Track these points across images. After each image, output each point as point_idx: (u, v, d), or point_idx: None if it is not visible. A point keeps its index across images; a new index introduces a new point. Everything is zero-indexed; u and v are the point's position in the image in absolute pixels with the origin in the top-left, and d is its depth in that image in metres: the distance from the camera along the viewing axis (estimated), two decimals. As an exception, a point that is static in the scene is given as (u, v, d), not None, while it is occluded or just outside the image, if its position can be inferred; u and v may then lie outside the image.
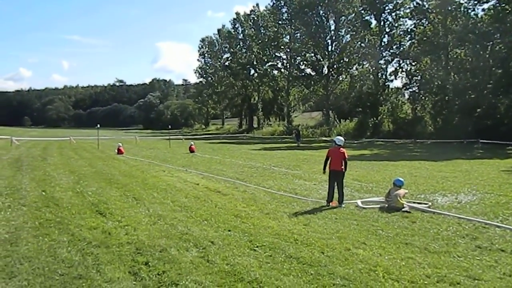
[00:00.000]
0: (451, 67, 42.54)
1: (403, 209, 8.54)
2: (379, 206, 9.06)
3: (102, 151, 26.17)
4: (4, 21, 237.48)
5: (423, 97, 46.66)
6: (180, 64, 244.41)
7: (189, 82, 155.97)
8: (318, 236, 6.75)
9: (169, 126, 45.25)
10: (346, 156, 9.48)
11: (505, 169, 17.10)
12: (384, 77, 51.33)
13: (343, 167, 9.36)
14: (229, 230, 7.10)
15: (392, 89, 52.80)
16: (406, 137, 41.69)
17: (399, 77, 51.33)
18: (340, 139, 9.52)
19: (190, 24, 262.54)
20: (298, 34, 61.35)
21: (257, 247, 6.16)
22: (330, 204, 9.21)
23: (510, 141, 30.11)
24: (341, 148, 9.42)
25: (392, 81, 52.39)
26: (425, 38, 42.91)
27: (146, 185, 11.91)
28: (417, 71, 47.49)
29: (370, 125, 48.64)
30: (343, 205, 9.15)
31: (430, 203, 9.36)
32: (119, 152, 24.27)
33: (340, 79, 59.20)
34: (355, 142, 39.96)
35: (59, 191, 10.14)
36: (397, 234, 6.91)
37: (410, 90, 49.73)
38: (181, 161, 19.84)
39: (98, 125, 30.15)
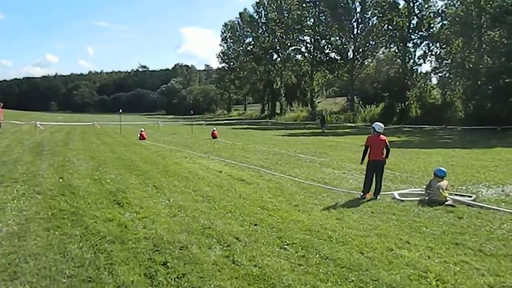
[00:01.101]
0: (485, 50, 40.31)
1: (446, 203, 7.71)
2: (418, 198, 8.25)
3: (125, 136, 25.98)
4: (31, 9, 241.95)
5: (453, 82, 44.57)
6: (203, 49, 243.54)
7: (211, 67, 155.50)
8: (354, 233, 6.05)
9: (191, 111, 44.84)
10: (388, 144, 8.63)
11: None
12: (412, 61, 49.22)
13: (384, 156, 8.55)
14: (256, 225, 6.48)
15: (420, 73, 50.71)
16: (435, 123, 39.92)
17: (428, 60, 49.20)
18: (380, 126, 8.65)
19: (214, 10, 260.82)
20: (323, 17, 59.58)
21: (287, 245, 5.52)
22: (365, 196, 8.44)
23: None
24: (381, 135, 8.59)
25: (420, 65, 50.26)
26: (457, 19, 40.69)
27: (167, 172, 11.42)
28: (448, 54, 45.25)
29: (397, 110, 46.95)
30: (378, 197, 8.38)
31: (474, 196, 8.48)
32: (141, 137, 24.00)
33: (366, 63, 57.40)
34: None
35: (77, 178, 9.74)
36: (444, 232, 6.12)
37: (440, 74, 47.56)
38: (203, 147, 19.34)
39: (121, 110, 29.98)
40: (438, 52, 46.58)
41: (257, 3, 76.00)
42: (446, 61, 45.97)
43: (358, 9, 55.01)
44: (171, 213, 7.00)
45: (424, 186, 9.68)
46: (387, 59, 55.18)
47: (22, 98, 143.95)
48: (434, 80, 51.09)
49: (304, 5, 62.29)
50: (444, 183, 8.04)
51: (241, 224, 6.46)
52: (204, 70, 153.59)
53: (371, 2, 52.22)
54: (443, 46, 45.60)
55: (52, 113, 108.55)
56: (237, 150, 18.14)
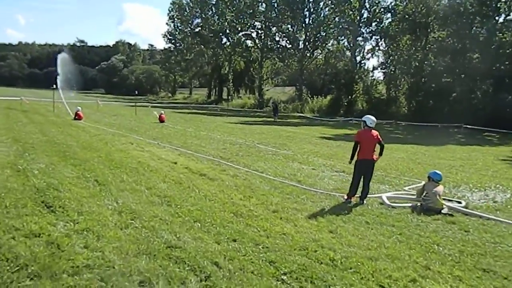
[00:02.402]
0: (430, 49, 41.69)
1: (442, 211, 6.84)
2: (410, 204, 7.31)
3: (58, 115, 23.08)
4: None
5: (399, 78, 45.80)
6: (147, 28, 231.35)
7: (155, 47, 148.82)
8: (359, 254, 4.87)
9: (136, 92, 41.69)
10: (381, 139, 7.55)
11: (503, 158, 16.06)
12: (361, 54, 49.85)
13: (375, 156, 7.46)
14: (235, 240, 5.08)
15: (368, 67, 51.68)
16: (379, 117, 40.50)
17: (375, 55, 50.22)
18: (372, 119, 7.50)
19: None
20: (275, 4, 58.38)
21: (284, 274, 4.19)
22: (351, 200, 7.34)
23: (485, 127, 29.76)
24: (373, 131, 7.46)
25: (368, 59, 51.22)
26: (406, 16, 41.56)
27: (112, 162, 9.57)
28: (395, 51, 46.27)
29: (345, 103, 47.42)
30: (365, 202, 7.34)
31: (464, 202, 7.74)
32: (78, 117, 21.35)
33: (316, 54, 57.38)
34: (330, 120, 38.52)
35: (-6, 168, 7.64)
36: (461, 252, 5.15)
37: (386, 70, 48.62)
38: (151, 132, 17.39)
39: (54, 86, 26.70)
40: (386, 48, 47.51)
41: (208, -18, 73.00)
42: (393, 57, 47.03)
43: (311, -1, 54.51)
44: (122, 222, 5.36)
45: (409, 188, 8.92)
46: (336, 51, 55.54)
47: None
48: (380, 75, 52.31)
49: (257, -12, 60.64)
50: (440, 188, 7.17)
51: (217, 240, 5.02)
52: (148, 49, 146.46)
53: (324, -9, 51.94)
54: (391, 42, 46.55)
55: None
56: (189, 137, 16.45)
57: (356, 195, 7.45)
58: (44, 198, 6.00)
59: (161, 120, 23.36)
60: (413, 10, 41.16)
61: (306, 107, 51.43)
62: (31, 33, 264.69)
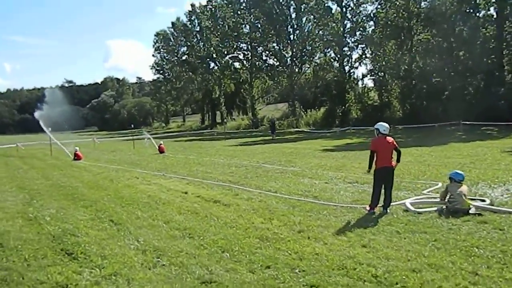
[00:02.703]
0: (416, 51, 42.22)
1: (470, 211, 6.67)
2: (435, 208, 7.14)
3: (57, 157, 22.84)
4: None
5: (389, 83, 46.18)
6: (132, 62, 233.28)
7: (143, 79, 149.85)
8: (401, 267, 4.66)
9: (132, 125, 41.26)
10: (397, 145, 7.43)
11: (509, 150, 15.98)
12: (350, 64, 50.33)
13: (393, 162, 7.32)
14: (268, 267, 4.86)
15: (357, 76, 52.15)
16: (375, 123, 40.60)
17: (363, 63, 50.71)
18: (385, 126, 7.40)
19: (140, 21, 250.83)
20: (259, 24, 59.20)
21: (333, 299, 3.97)
22: (374, 210, 7.15)
23: (482, 122, 29.83)
24: (388, 137, 7.35)
25: (357, 68, 51.60)
26: (388, 22, 42.21)
27: (122, 199, 9.35)
28: (382, 57, 46.79)
29: (339, 113, 47.55)
30: (388, 210, 7.16)
31: (488, 199, 7.57)
32: (77, 157, 21.14)
33: (304, 68, 57.92)
34: (327, 131, 38.54)
35: (3, 219, 7.39)
36: (504, 252, 4.95)
37: (376, 76, 49.03)
38: (154, 164, 17.20)
39: (49, 129, 26.51)
40: (373, 55, 48.02)
41: (189, 11, 74.03)
42: (381, 63, 47.52)
43: (293, 15, 55.34)
44: (148, 261, 5.13)
45: (428, 191, 8.77)
46: (324, 64, 56.11)
47: None
48: (370, 82, 52.72)
49: (239, 12, 61.43)
50: (464, 188, 7.02)
51: (250, 269, 4.80)
52: (136, 82, 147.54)
53: (305, 8, 52.69)
54: (377, 49, 47.10)
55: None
56: (193, 164, 16.26)
57: (378, 205, 7.28)
58: (62, 245, 5.76)
59: (161, 150, 23.16)
60: (395, 15, 41.87)
61: (301, 122, 51.59)
62: (18, 79, 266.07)
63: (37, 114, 30.58)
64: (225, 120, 62.51)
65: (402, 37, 41.58)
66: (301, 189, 9.89)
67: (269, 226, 6.74)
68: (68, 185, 11.75)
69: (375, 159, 7.28)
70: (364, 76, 51.10)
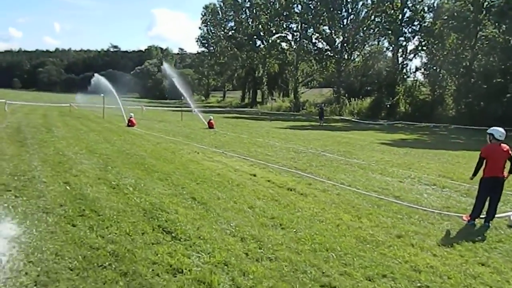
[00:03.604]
0: (480, 47, 39.75)
1: None
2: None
3: (109, 121, 23.24)
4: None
5: (445, 78, 43.92)
6: (176, 33, 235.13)
7: (185, 51, 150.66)
8: (539, 296, 4.16)
9: (182, 97, 39.82)
10: None
11: None
12: (404, 55, 48.17)
13: (505, 173, 6.66)
14: (385, 276, 4.48)
15: (410, 68, 49.95)
16: (423, 119, 39.01)
17: (419, 55, 48.36)
18: (501, 132, 6.69)
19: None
20: (312, 5, 57.47)
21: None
22: (474, 222, 6.58)
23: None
24: (503, 144, 6.67)
25: (411, 60, 49.32)
26: (455, 14, 39.70)
27: (193, 175, 9.18)
28: (440, 50, 44.39)
29: (388, 105, 45.86)
30: (490, 224, 6.57)
31: None
32: (131, 124, 21.40)
33: (354, 55, 56.08)
34: (375, 123, 37.38)
35: (88, 184, 7.35)
36: None
37: (431, 70, 46.73)
38: (208, 140, 17.06)
39: (102, 95, 26.99)
40: (430, 47, 45.64)
41: (241, -14, 72.96)
42: (438, 57, 45.15)
43: (350, -1, 53.30)
44: (251, 252, 4.86)
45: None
46: (376, 52, 54.07)
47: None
48: (420, 76, 50.37)
49: (292, -10, 59.96)
50: None
51: (367, 276, 4.43)
52: (178, 53, 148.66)
53: (363, -9, 50.68)
54: (436, 42, 44.69)
55: (16, 90, 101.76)
56: (249, 145, 15.99)
57: (467, 214, 6.73)
58: (157, 221, 5.58)
59: (210, 126, 23.10)
60: (461, 7, 39.38)
61: (345, 110, 50.32)
62: (67, 39, 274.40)
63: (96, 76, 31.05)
64: (271, 100, 61.93)
65: (466, 32, 39.19)
66: (376, 185, 9.38)
67: (361, 225, 6.33)
68: (133, 153, 11.74)
69: (483, 166, 6.65)
70: (417, 69, 48.98)
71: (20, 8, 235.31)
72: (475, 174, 6.82)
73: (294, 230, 5.86)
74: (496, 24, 36.73)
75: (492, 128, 6.88)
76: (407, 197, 8.36)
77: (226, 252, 4.73)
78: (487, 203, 6.66)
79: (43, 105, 33.83)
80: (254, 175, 9.84)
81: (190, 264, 4.29)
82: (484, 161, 6.63)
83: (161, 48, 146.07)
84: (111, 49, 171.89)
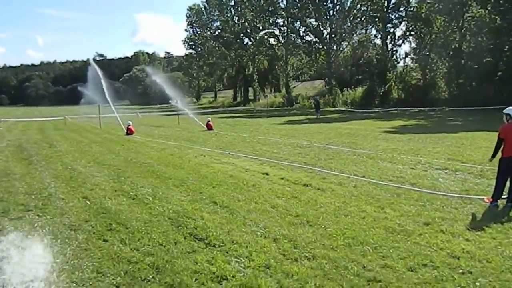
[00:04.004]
0: (467, 28, 39.99)
1: None
2: None
3: (108, 131, 23.05)
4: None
5: (435, 62, 44.14)
6: (160, 36, 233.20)
7: (171, 54, 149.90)
8: None
9: (176, 101, 39.11)
10: None
11: None
12: (393, 41, 48.31)
13: None
14: (425, 265, 4.48)
15: (400, 54, 50.06)
16: (417, 104, 39.25)
17: (407, 41, 48.52)
18: (516, 112, 6.75)
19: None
20: (297, -1, 57.36)
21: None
22: (497, 203, 6.62)
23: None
24: (520, 124, 6.70)
25: (400, 45, 49.38)
26: (438, -4, 39.84)
27: (207, 179, 9.13)
28: (428, 34, 44.56)
29: (381, 93, 46.01)
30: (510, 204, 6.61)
31: None
32: (129, 131, 21.25)
33: (343, 45, 56.14)
34: (371, 111, 37.52)
35: (106, 196, 7.27)
36: None
37: (420, 54, 46.90)
38: (211, 142, 16.99)
39: (98, 104, 26.81)
40: (418, 32, 45.80)
41: (224, -15, 72.61)
42: (427, 41, 45.31)
43: (334, -11, 53.25)
44: (288, 252, 4.83)
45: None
46: (365, 41, 54.13)
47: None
48: (410, 61, 50.51)
49: (275, -14, 59.79)
50: None
51: (408, 267, 4.44)
52: (165, 57, 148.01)
53: (347, -19, 50.68)
54: (423, 26, 44.83)
55: (5, 107, 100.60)
56: (253, 143, 15.96)
57: (488, 196, 6.77)
58: (187, 229, 5.53)
59: (209, 127, 23.01)
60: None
61: (338, 101, 50.42)
62: (50, 52, 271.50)
63: (80, 88, 30.91)
64: (263, 97, 61.82)
65: (453, 13, 39.38)
66: (389, 174, 9.41)
67: (386, 216, 6.34)
68: (141, 161, 11.65)
69: (502, 147, 6.69)
70: (407, 54, 49.14)
71: (1, 24, 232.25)
72: (494, 155, 6.86)
73: (323, 226, 5.85)
74: (482, 3, 36.92)
75: (508, 108, 6.90)
76: (424, 183, 8.39)
77: (263, 254, 4.70)
78: (507, 183, 6.72)
79: (36, 120, 33.48)
80: (267, 174, 9.81)
81: (232, 270, 4.26)
82: (502, 142, 6.66)
83: (148, 53, 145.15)
84: (97, 58, 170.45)
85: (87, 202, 6.85)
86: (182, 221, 5.87)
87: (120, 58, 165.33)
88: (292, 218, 6.22)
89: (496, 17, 35.09)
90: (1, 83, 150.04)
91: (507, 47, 35.21)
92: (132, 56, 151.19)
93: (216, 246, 4.95)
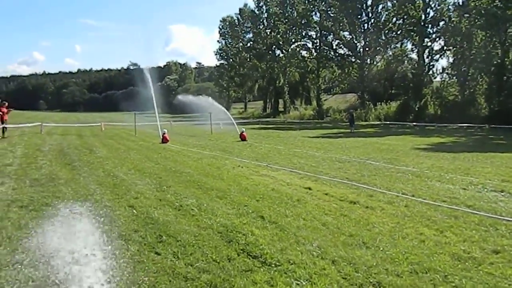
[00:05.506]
0: (510, 44, 38.58)
1: None
2: None
3: (143, 139, 23.34)
4: (16, 6, 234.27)
5: (475, 77, 42.70)
6: (192, 47, 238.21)
7: (202, 65, 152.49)
8: None
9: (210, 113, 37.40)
10: None
11: None
12: (430, 56, 47.14)
13: None
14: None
15: (437, 69, 48.77)
16: (453, 121, 37.86)
17: (446, 56, 47.24)
18: None
19: (202, 7, 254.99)
20: (331, 12, 57.11)
21: None
22: None
23: None
24: None
25: (437, 60, 48.14)
26: (482, 12, 38.62)
27: (248, 191, 8.91)
28: (468, 49, 43.22)
29: (416, 108, 44.81)
30: None
31: None
32: (164, 140, 21.40)
33: (377, 59, 55.34)
34: (405, 127, 36.52)
35: (152, 206, 7.15)
36: None
37: (459, 70, 45.47)
38: (246, 153, 16.83)
39: (134, 112, 27.35)
40: (458, 46, 44.50)
41: (258, -3, 73.28)
42: (466, 56, 43.92)
43: (370, 2, 52.79)
44: (351, 277, 4.50)
45: None
46: (400, 55, 53.14)
47: (10, 97, 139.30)
48: (447, 77, 48.99)
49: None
50: None
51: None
52: (196, 67, 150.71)
53: (383, -6, 50.10)
54: (463, 40, 43.54)
55: (43, 112, 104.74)
56: (290, 156, 15.68)
57: None
58: (238, 245, 5.29)
59: (243, 138, 22.92)
60: (489, 4, 38.29)
61: (371, 115, 49.55)
62: (87, 60, 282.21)
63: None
64: (293, 109, 61.60)
65: (497, 29, 38.04)
66: (441, 194, 8.89)
67: (448, 241, 5.89)
68: (180, 170, 11.57)
69: None
70: (444, 69, 47.79)
71: (42, 32, 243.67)
72: None
73: (381, 248, 5.48)
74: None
75: None
76: (482, 206, 7.85)
77: (324, 278, 4.39)
78: None
79: (73, 125, 34.45)
80: (310, 189, 9.49)
81: (295, 295, 3.98)
82: None
83: (180, 63, 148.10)
84: (131, 67, 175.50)
85: (134, 211, 6.75)
86: (232, 236, 5.64)
87: (153, 67, 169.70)
88: (346, 238, 5.88)
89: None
90: (39, 89, 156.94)
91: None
92: (164, 65, 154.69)
93: (273, 265, 4.68)
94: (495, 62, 38.41)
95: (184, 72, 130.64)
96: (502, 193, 9.08)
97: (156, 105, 26.18)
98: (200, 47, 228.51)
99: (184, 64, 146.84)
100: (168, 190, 8.57)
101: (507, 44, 38.46)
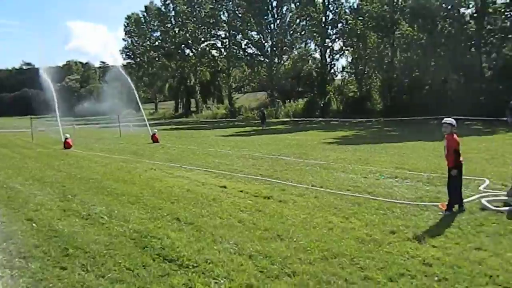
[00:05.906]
0: (398, 45, 42.97)
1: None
2: (507, 208, 7.03)
3: (41, 145, 21.42)
4: None
5: (370, 75, 46.83)
6: (95, 45, 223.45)
7: (107, 64, 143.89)
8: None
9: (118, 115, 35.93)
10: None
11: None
12: (331, 55, 50.46)
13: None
14: (402, 275, 4.52)
15: (337, 67, 52.49)
16: (354, 115, 41.15)
17: (345, 55, 51.02)
18: (454, 121, 7.26)
19: (103, 3, 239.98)
20: (239, 11, 57.99)
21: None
22: (443, 207, 7.03)
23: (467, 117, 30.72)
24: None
25: (337, 59, 51.75)
26: (374, 15, 42.42)
27: (162, 194, 8.70)
28: (363, 50, 47.20)
29: (322, 104, 47.66)
30: (464, 208, 7.01)
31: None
32: (67, 145, 19.84)
33: (285, 58, 57.58)
34: (312, 123, 38.66)
35: (55, 217, 6.58)
36: None
37: (356, 68, 49.42)
38: (159, 155, 16.38)
39: (30, 117, 24.90)
40: (354, 47, 48.30)
41: (164, -5, 71.41)
42: (362, 56, 47.88)
43: (274, 3, 54.59)
44: (267, 269, 4.64)
45: (484, 188, 8.72)
46: (305, 54, 55.99)
47: None
48: (347, 75, 53.02)
49: (217, -1, 60.02)
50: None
51: (387, 277, 4.45)
52: (100, 67, 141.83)
53: (288, -3, 52.23)
54: (358, 41, 47.38)
55: None
56: (204, 156, 15.61)
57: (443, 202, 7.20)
58: (154, 250, 5.11)
59: (155, 139, 22.24)
60: (379, 8, 42.17)
61: (281, 112, 51.43)
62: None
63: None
64: (206, 108, 61.30)
65: (386, 31, 42.07)
66: (346, 184, 9.60)
67: (353, 226, 6.39)
68: (86, 177, 10.84)
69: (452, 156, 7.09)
70: (344, 68, 51.57)
71: None
72: (456, 166, 7.12)
73: (294, 239, 5.74)
74: (410, 22, 39.89)
75: (448, 119, 7.33)
76: (380, 192, 8.64)
77: (242, 273, 4.46)
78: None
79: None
80: (225, 187, 9.56)
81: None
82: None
83: (82, 63, 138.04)
84: (24, 67, 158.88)
85: (33, 224, 6.15)
86: (147, 242, 5.45)
87: (50, 67, 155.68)
88: (262, 233, 6.05)
89: (422, 35, 38.05)
90: None
91: (432, 62, 38.36)
92: (64, 65, 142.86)
93: (190, 267, 4.62)
94: (386, 61, 42.43)
95: (86, 72, 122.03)
96: (396, 179, 10.10)
97: (57, 107, 24.04)
98: (104, 46, 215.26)
99: (86, 63, 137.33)
100: (74, 199, 7.98)
101: (395, 45, 42.71)
